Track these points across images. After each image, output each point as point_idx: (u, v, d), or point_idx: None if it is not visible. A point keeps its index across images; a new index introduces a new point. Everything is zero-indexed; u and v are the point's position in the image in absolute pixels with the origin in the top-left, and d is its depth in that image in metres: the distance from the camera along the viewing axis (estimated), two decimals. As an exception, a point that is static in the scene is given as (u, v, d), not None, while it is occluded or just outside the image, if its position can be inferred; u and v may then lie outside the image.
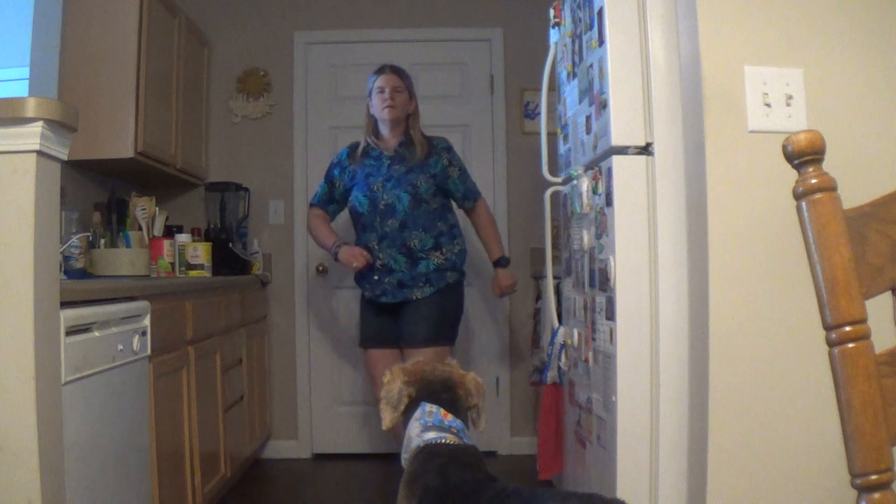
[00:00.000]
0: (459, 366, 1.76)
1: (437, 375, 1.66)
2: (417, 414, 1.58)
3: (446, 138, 3.12)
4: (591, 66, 2.10)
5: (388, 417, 1.63)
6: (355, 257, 2.86)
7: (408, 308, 2.90)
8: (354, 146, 3.09)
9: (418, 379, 1.64)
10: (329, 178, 3.10)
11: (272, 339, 4.09)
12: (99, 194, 3.38)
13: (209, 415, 2.90)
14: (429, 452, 1.49)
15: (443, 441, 1.51)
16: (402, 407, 1.62)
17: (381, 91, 2.96)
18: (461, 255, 3.00)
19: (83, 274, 2.89)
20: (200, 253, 3.38)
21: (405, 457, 1.57)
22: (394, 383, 1.65)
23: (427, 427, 1.54)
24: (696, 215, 1.68)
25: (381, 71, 3.03)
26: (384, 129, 3.01)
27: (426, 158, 2.95)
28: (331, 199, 3.10)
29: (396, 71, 3.03)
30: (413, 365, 1.70)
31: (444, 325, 2.90)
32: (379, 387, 1.78)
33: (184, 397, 2.62)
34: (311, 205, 3.16)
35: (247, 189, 3.96)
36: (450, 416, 1.58)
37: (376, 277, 2.91)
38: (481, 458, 1.51)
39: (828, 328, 0.93)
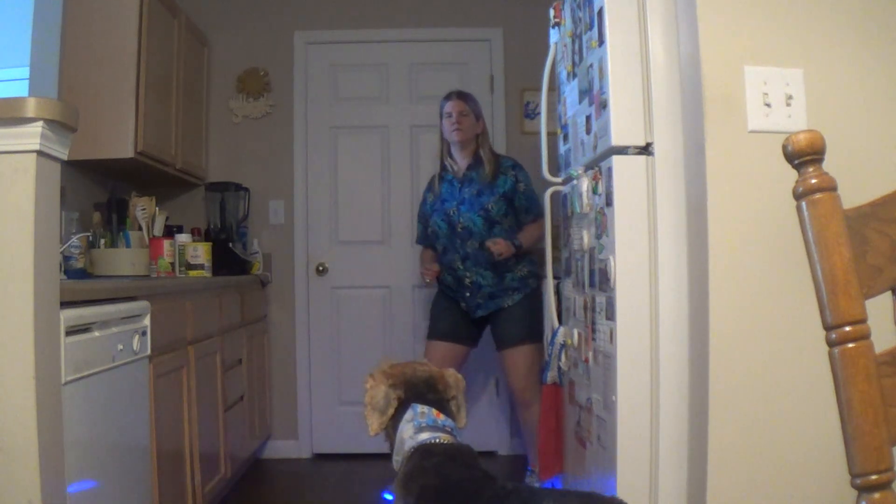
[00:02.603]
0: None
1: (418, 376, 1.65)
2: (409, 416, 1.57)
3: (513, 158, 3.37)
4: (591, 66, 2.10)
5: (375, 423, 1.60)
6: (426, 274, 3.25)
7: (501, 314, 3.19)
8: (431, 180, 3.40)
9: (403, 381, 1.63)
10: (421, 217, 3.44)
11: (272, 339, 4.09)
12: (99, 194, 3.38)
13: (209, 415, 2.90)
14: (424, 452, 1.48)
15: (437, 441, 1.50)
16: (390, 411, 1.59)
17: (449, 116, 3.24)
18: (536, 264, 3.26)
19: (83, 274, 2.89)
20: (200, 253, 3.38)
21: (397, 458, 1.55)
22: (378, 388, 1.62)
23: (421, 428, 1.53)
24: (696, 215, 1.68)
25: (448, 97, 3.30)
26: (455, 151, 3.29)
27: (495, 178, 3.20)
28: (426, 236, 3.41)
29: (462, 96, 3.29)
30: (392, 367, 1.68)
31: (535, 325, 3.15)
32: None
33: (184, 397, 2.62)
34: (419, 243, 3.51)
35: (247, 189, 3.96)
36: (442, 416, 1.57)
37: (468, 294, 3.20)
38: (477, 457, 1.50)
39: (828, 328, 0.93)
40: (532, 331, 3.15)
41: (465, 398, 1.72)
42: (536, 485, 2.92)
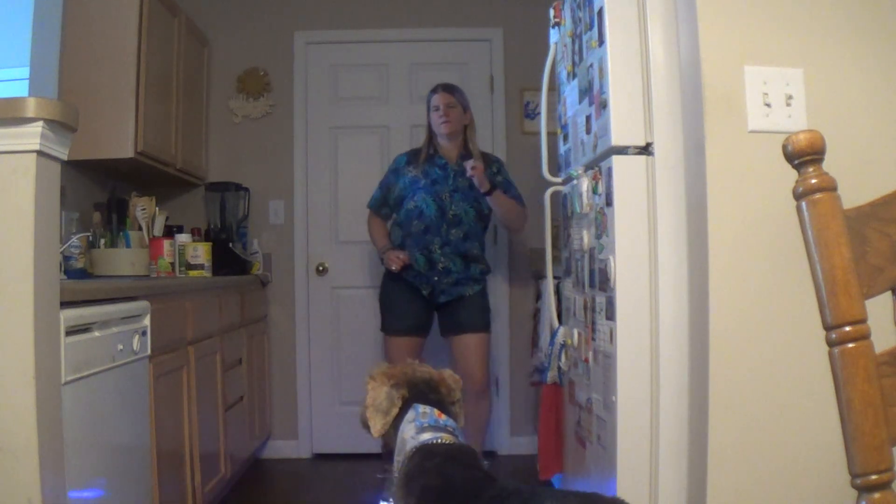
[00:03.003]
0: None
1: (419, 377, 1.65)
2: (410, 416, 1.56)
3: (495, 154, 3.49)
4: (591, 66, 2.10)
5: (378, 424, 1.59)
6: (395, 261, 3.18)
7: (461, 302, 3.23)
8: (415, 151, 3.35)
9: (404, 381, 1.62)
10: (384, 185, 3.37)
11: (272, 339, 4.09)
12: (99, 194, 3.38)
13: (209, 415, 2.90)
14: (425, 453, 1.47)
15: (439, 441, 1.50)
16: (394, 411, 1.59)
17: (437, 109, 3.25)
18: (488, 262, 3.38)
19: (83, 274, 2.89)
20: (200, 253, 3.38)
21: (398, 459, 1.55)
22: (380, 389, 1.61)
23: (423, 428, 1.53)
24: (696, 215, 1.68)
25: (434, 90, 3.30)
26: (443, 142, 3.29)
27: (483, 172, 3.18)
28: (384, 203, 3.36)
29: (448, 88, 3.30)
30: (391, 368, 1.68)
31: (488, 316, 3.31)
32: None
33: (184, 397, 2.62)
34: (370, 207, 3.43)
35: (247, 189, 3.96)
36: (444, 416, 1.57)
37: (436, 278, 3.20)
38: (478, 458, 1.50)
39: (828, 328, 0.93)
40: (487, 321, 3.28)
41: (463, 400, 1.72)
42: None
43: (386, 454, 1.63)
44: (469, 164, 3.10)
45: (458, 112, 3.26)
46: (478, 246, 3.27)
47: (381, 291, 3.38)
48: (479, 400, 3.25)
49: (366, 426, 1.64)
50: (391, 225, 3.39)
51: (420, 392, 1.61)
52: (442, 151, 3.28)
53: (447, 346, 3.29)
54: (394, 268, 3.16)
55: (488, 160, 3.31)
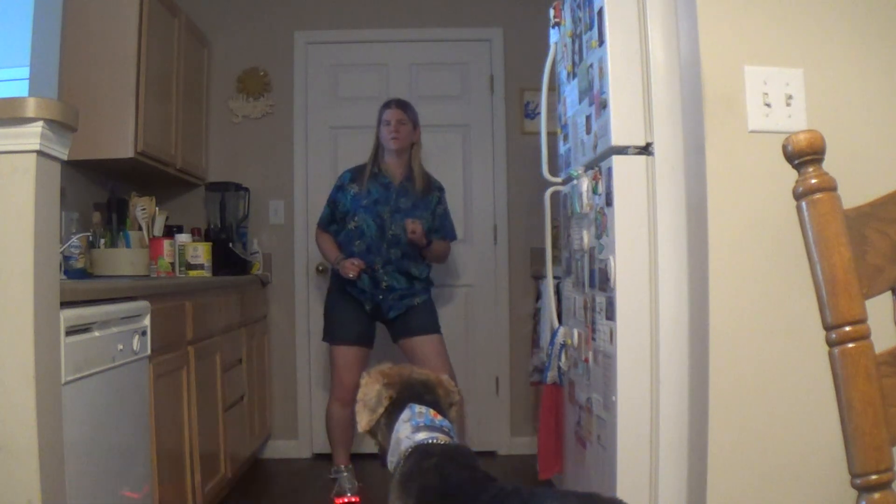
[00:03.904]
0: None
1: (415, 378, 1.65)
2: (406, 415, 1.56)
3: (439, 181, 3.45)
4: (591, 66, 2.10)
5: (364, 420, 1.61)
6: (351, 269, 3.19)
7: (410, 310, 3.27)
8: (359, 168, 3.35)
9: (398, 381, 1.63)
10: (331, 202, 3.37)
11: (272, 339, 4.09)
12: (99, 194, 3.38)
13: (209, 415, 2.90)
14: (422, 452, 1.47)
15: (435, 441, 1.50)
16: (380, 409, 1.60)
17: (388, 124, 3.28)
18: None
19: (83, 274, 2.89)
20: (200, 253, 3.38)
21: (392, 459, 1.54)
22: (371, 386, 1.62)
23: (418, 427, 1.53)
24: (696, 215, 1.68)
25: (388, 105, 3.33)
26: (389, 157, 3.31)
27: (426, 195, 3.31)
28: (332, 221, 3.37)
29: (401, 105, 3.34)
30: (390, 368, 1.68)
31: (437, 320, 3.36)
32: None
33: (184, 397, 2.62)
34: (318, 225, 3.44)
35: (247, 189, 3.96)
36: (439, 417, 1.57)
37: (381, 297, 3.25)
38: (475, 458, 1.50)
39: (828, 328, 0.93)
40: (438, 324, 3.33)
41: (464, 411, 1.72)
42: None
43: (381, 455, 1.63)
44: (409, 228, 3.14)
45: (409, 129, 3.29)
46: (419, 263, 3.29)
47: (327, 303, 3.39)
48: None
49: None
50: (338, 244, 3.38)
51: (416, 393, 1.61)
52: (386, 167, 3.30)
53: (400, 352, 3.27)
54: (351, 275, 3.17)
55: (430, 186, 3.34)
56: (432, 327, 3.30)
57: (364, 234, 3.23)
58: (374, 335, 3.34)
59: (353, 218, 3.25)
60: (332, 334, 3.33)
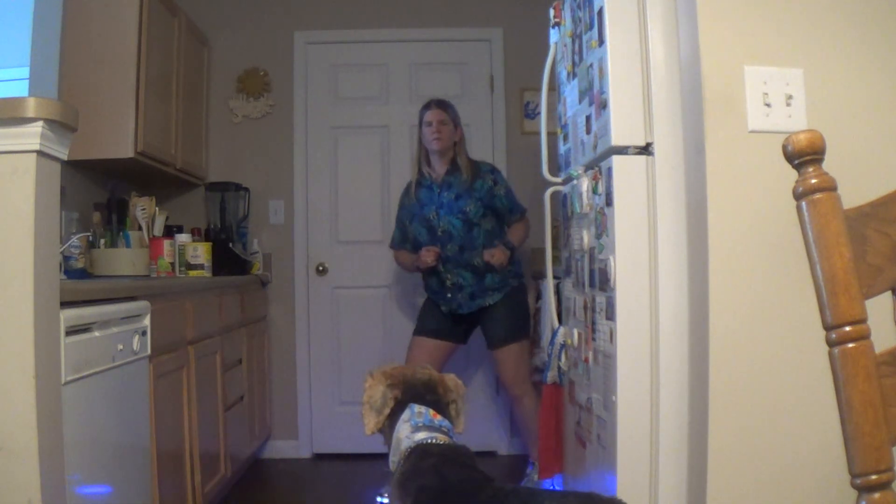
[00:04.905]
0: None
1: (418, 378, 1.66)
2: (406, 415, 1.57)
3: (491, 162, 3.52)
4: (591, 66, 2.10)
5: (371, 422, 1.61)
6: (426, 255, 3.23)
7: (486, 314, 3.29)
8: (408, 186, 3.43)
9: (401, 382, 1.63)
10: (398, 221, 3.46)
11: (272, 339, 4.09)
12: (99, 194, 3.38)
13: (209, 415, 2.90)
14: (421, 452, 1.48)
15: (434, 441, 1.50)
16: (386, 410, 1.60)
17: (430, 125, 3.29)
18: (518, 264, 3.40)
19: (83, 274, 2.89)
20: (200, 253, 3.38)
21: (393, 459, 1.55)
22: (376, 387, 1.63)
23: (418, 427, 1.53)
24: (696, 215, 1.68)
25: (428, 106, 3.35)
26: (434, 158, 3.34)
27: (472, 182, 3.27)
28: (405, 240, 3.44)
29: (441, 104, 3.35)
30: (393, 368, 1.69)
31: (519, 323, 3.32)
32: None
33: (184, 397, 2.62)
34: (391, 247, 3.52)
35: (247, 189, 3.96)
36: (439, 417, 1.57)
37: (449, 295, 3.29)
38: (474, 458, 1.50)
39: (828, 328, 0.93)
40: (516, 330, 3.30)
41: (466, 403, 1.73)
42: (536, 480, 2.94)
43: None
44: (486, 260, 3.16)
45: (450, 129, 3.30)
46: (480, 255, 3.24)
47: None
48: (516, 404, 3.39)
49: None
50: None
51: (417, 393, 1.62)
52: (430, 169, 3.33)
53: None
54: (430, 260, 3.20)
55: (480, 171, 3.33)
56: (503, 337, 3.27)
57: (419, 243, 3.30)
58: (460, 332, 3.36)
59: (411, 231, 3.34)
60: (415, 328, 3.43)
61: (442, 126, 3.27)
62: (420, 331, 3.39)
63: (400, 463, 1.50)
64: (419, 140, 3.35)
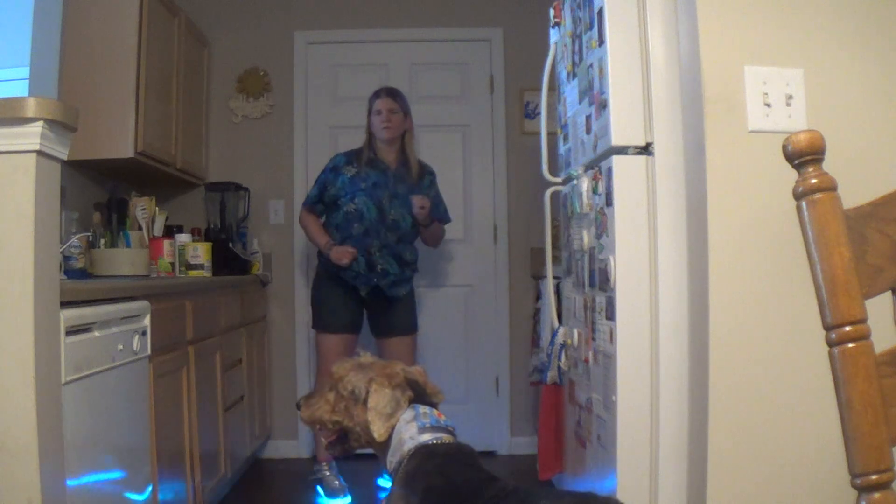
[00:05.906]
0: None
1: (411, 378, 1.64)
2: (409, 416, 1.55)
3: (429, 165, 3.48)
4: (591, 66, 2.10)
5: (383, 427, 1.56)
6: (345, 256, 3.20)
7: (393, 305, 3.33)
8: (355, 152, 3.35)
9: (404, 382, 1.61)
10: (321, 182, 3.36)
11: (272, 339, 4.09)
12: (99, 194, 3.38)
13: (209, 415, 2.90)
14: (426, 453, 1.47)
15: (439, 441, 1.50)
16: (398, 414, 1.57)
17: (379, 113, 3.29)
18: (418, 259, 3.46)
19: (83, 274, 2.89)
20: (200, 253, 3.38)
21: (392, 459, 1.53)
22: (382, 392, 1.58)
23: (424, 428, 1.52)
24: (696, 215, 1.68)
25: (377, 94, 3.34)
26: (382, 146, 3.32)
27: (420, 179, 3.34)
28: (319, 201, 3.36)
29: (392, 93, 3.34)
30: (382, 367, 1.66)
31: (415, 317, 3.46)
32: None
33: (184, 397, 2.62)
34: (305, 205, 3.43)
35: (247, 189, 3.96)
36: (443, 417, 1.57)
37: (375, 280, 3.25)
38: (478, 458, 1.50)
39: (828, 328, 0.93)
40: (416, 323, 3.44)
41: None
42: None
43: (379, 455, 1.62)
44: (416, 203, 3.19)
45: (400, 118, 3.30)
46: (411, 249, 3.34)
47: (314, 290, 3.42)
48: None
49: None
50: (326, 226, 3.38)
51: (418, 393, 1.61)
52: (380, 155, 3.32)
53: (377, 347, 3.35)
54: (344, 262, 3.18)
55: (423, 170, 3.38)
56: (409, 327, 3.38)
57: (364, 218, 3.23)
58: (363, 322, 3.37)
59: (352, 200, 3.24)
60: (321, 322, 3.34)
61: (392, 115, 3.27)
62: (334, 327, 3.30)
63: (402, 463, 1.49)
64: (367, 128, 3.34)
